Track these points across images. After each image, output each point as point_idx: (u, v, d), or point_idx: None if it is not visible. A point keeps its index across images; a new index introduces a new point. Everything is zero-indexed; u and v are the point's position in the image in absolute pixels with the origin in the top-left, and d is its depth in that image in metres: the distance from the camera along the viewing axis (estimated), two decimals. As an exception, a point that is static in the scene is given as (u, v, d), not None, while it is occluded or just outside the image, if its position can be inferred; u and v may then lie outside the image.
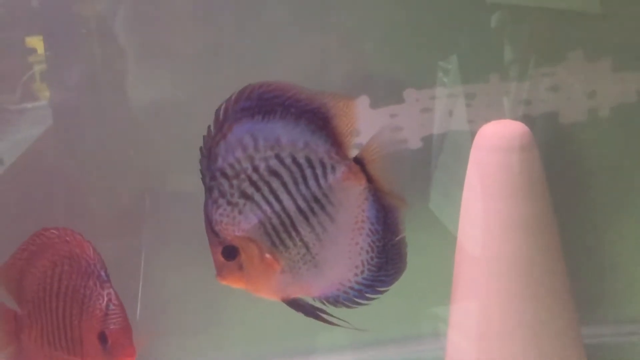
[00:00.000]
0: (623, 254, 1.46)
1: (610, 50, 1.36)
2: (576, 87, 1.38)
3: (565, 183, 1.41)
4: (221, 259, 0.90)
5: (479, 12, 1.36)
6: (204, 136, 0.88)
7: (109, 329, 1.03)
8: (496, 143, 1.21)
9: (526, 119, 1.35)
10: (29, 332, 1.09)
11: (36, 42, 1.33)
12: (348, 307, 0.93)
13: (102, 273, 1.05)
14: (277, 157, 0.89)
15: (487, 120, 1.32)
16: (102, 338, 1.03)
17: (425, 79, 1.37)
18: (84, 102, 1.36)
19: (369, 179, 0.92)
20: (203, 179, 0.89)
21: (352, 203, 0.92)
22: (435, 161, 1.40)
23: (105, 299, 1.04)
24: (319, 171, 0.90)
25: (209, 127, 0.88)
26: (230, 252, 0.90)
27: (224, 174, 0.88)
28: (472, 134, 1.27)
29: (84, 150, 1.36)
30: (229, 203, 0.89)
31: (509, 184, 1.19)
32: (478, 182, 1.22)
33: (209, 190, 0.89)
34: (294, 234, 0.90)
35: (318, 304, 0.94)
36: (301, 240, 0.91)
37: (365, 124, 1.32)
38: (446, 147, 1.39)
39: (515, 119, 1.34)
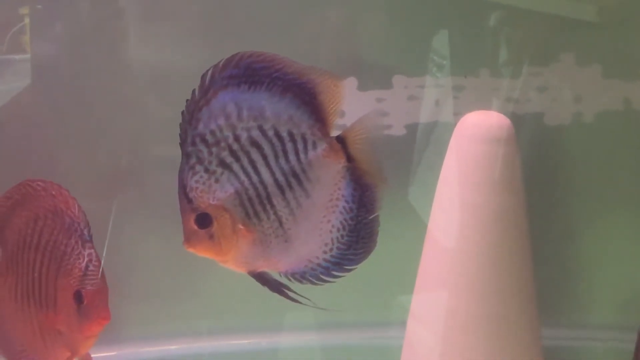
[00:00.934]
0: (590, 260, 1.48)
1: (601, 57, 1.37)
2: (564, 89, 1.38)
3: (543, 183, 1.42)
4: (192, 226, 0.89)
5: (476, 5, 1.36)
6: (187, 100, 0.87)
7: (86, 289, 1.02)
8: (476, 133, 1.20)
9: (512, 117, 1.35)
10: (4, 280, 1.08)
11: (30, -6, 1.32)
12: (314, 284, 0.94)
13: (85, 232, 1.04)
14: (260, 128, 0.88)
15: (474, 113, 1.33)
16: (78, 297, 1.02)
17: (415, 67, 1.37)
18: (72, 58, 1.34)
19: (349, 158, 0.92)
20: (182, 143, 0.88)
21: (328, 180, 0.92)
22: (418, 150, 1.40)
23: (86, 258, 1.03)
24: (300, 146, 0.90)
25: (193, 91, 0.87)
26: (203, 220, 0.89)
27: (204, 141, 0.87)
28: (457, 127, 1.27)
29: (66, 106, 1.35)
30: (206, 170, 0.88)
31: (485, 175, 1.19)
32: (454, 170, 1.22)
33: (186, 155, 0.88)
34: (268, 207, 0.90)
35: (284, 280, 0.93)
36: (275, 213, 0.90)
37: (351, 105, 1.32)
38: (429, 137, 1.39)
39: (501, 115, 1.35)
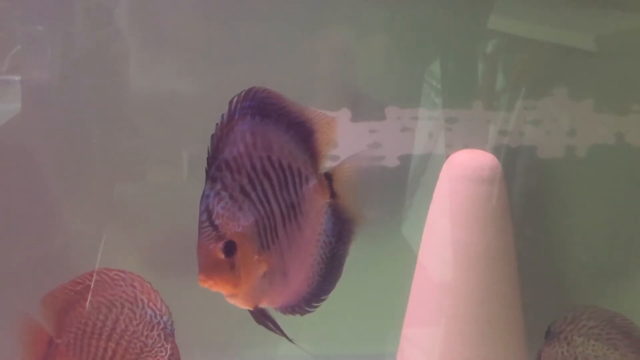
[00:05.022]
0: (582, 298, 1.47)
1: (594, 91, 1.38)
2: (557, 123, 1.39)
3: (534, 216, 1.42)
4: (217, 255, 0.86)
5: (470, 38, 1.37)
6: (216, 124, 0.87)
7: None
8: (463, 172, 1.21)
9: (504, 150, 1.35)
10: None
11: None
12: (301, 315, 0.95)
13: (169, 325, 1.04)
14: (269, 159, 0.90)
15: (466, 145, 1.34)
16: None
17: (408, 99, 1.38)
18: (69, 83, 1.34)
19: (332, 194, 0.96)
20: (208, 167, 0.87)
21: (314, 215, 0.94)
22: (411, 181, 1.40)
23: (169, 352, 1.03)
24: (297, 179, 0.92)
25: (222, 115, 0.87)
26: (231, 248, 0.86)
27: (229, 166, 0.87)
28: (449, 158, 1.28)
29: (61, 131, 1.35)
30: (231, 197, 0.87)
31: (472, 214, 1.20)
32: (442, 208, 1.23)
33: (211, 180, 0.86)
34: (275, 238, 0.90)
35: (279, 315, 0.94)
36: (279, 245, 0.91)
37: (345, 136, 1.34)
38: (422, 169, 1.39)
39: (494, 147, 1.35)
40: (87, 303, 1.06)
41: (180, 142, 1.34)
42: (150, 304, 1.04)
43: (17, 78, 1.33)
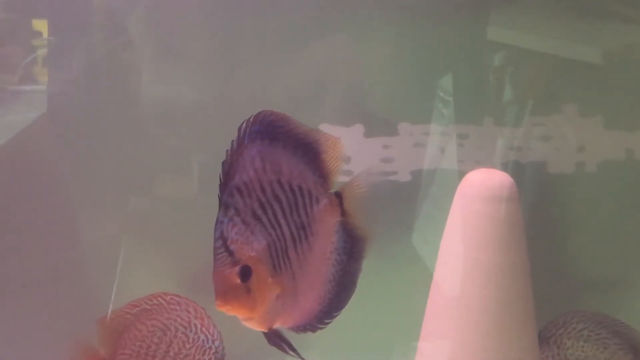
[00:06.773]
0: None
1: (604, 108, 1.39)
2: (567, 139, 1.40)
3: (544, 231, 1.43)
4: (233, 280, 0.87)
5: (482, 54, 1.38)
6: (227, 150, 0.88)
7: None
8: (480, 192, 1.21)
9: (515, 166, 1.36)
10: None
11: (42, 26, 1.32)
12: (312, 332, 0.96)
13: (220, 350, 1.07)
14: (279, 182, 0.91)
15: (477, 161, 1.35)
16: None
17: (421, 115, 1.39)
18: (82, 93, 1.36)
19: (342, 213, 0.97)
20: (220, 194, 0.88)
21: (325, 234, 0.96)
22: (423, 196, 1.41)
23: None
24: (307, 200, 0.93)
25: (232, 142, 0.89)
26: (246, 273, 0.88)
27: (240, 191, 0.88)
28: (461, 174, 1.28)
29: (74, 141, 1.36)
30: (244, 222, 0.88)
31: (488, 233, 1.20)
32: (458, 227, 1.23)
33: (224, 207, 0.88)
34: (286, 260, 0.92)
35: (291, 334, 0.95)
36: (290, 267, 0.92)
37: (357, 152, 1.35)
38: (434, 183, 1.40)
39: (504, 163, 1.36)
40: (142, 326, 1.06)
41: (193, 151, 1.35)
42: (204, 329, 1.07)
43: (29, 88, 1.34)
